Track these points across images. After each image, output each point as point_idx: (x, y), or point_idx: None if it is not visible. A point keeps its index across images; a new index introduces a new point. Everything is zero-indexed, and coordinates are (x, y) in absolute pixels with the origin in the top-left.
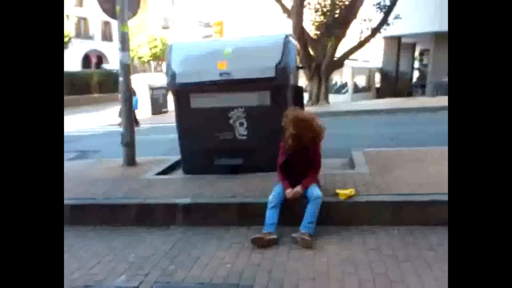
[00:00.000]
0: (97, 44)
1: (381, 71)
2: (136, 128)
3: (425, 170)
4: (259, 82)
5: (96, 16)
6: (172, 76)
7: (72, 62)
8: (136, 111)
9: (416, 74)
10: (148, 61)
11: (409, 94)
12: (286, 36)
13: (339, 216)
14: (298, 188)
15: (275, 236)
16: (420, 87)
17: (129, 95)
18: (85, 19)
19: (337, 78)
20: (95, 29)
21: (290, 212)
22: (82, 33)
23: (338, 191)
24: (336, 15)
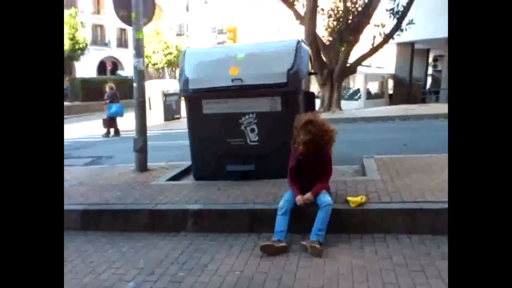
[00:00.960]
0: (112, 51)
1: (394, 77)
2: (115, 138)
3: (438, 177)
4: (271, 88)
5: (112, 24)
6: (185, 82)
7: (87, 68)
8: (119, 119)
9: (429, 81)
10: (163, 67)
11: (423, 100)
12: (298, 42)
13: (350, 224)
14: (309, 195)
15: (284, 244)
16: (434, 94)
17: (143, 101)
18: (101, 26)
19: (349, 84)
20: (111, 36)
21: (300, 219)
22: (99, 40)
23: (348, 198)
24: (349, 21)
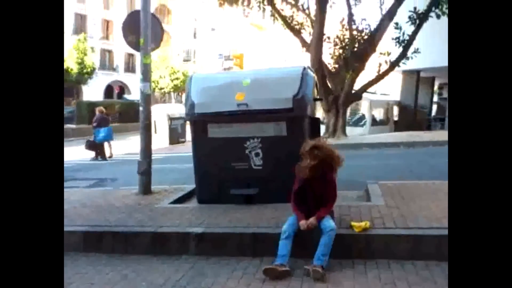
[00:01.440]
0: (120, 75)
1: (399, 104)
2: (103, 162)
3: (443, 204)
4: (276, 113)
5: (121, 49)
6: (191, 106)
7: (95, 92)
8: (111, 143)
9: (435, 108)
10: (169, 92)
11: (428, 127)
12: (304, 69)
13: (354, 249)
14: (312, 220)
15: (287, 268)
16: (439, 121)
17: (148, 124)
18: (110, 51)
19: (355, 110)
20: (119, 61)
21: (304, 244)
22: (107, 64)
23: (352, 223)
24: (355, 49)
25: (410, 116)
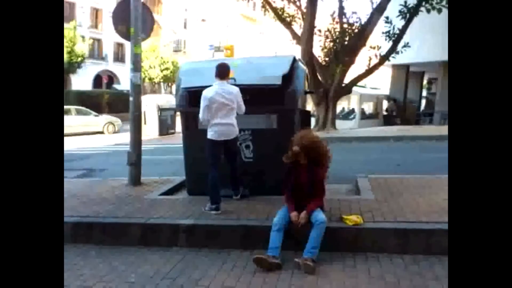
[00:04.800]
0: (109, 65)
1: (389, 98)
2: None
3: (431, 198)
4: (267, 104)
5: (110, 38)
6: (181, 97)
7: (83, 82)
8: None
9: (424, 103)
10: (159, 82)
11: (417, 122)
12: (295, 58)
13: (343, 243)
14: (303, 214)
15: (278, 261)
16: (428, 116)
17: (138, 115)
18: (99, 40)
19: (344, 104)
20: (108, 50)
21: (294, 236)
22: (96, 54)
23: (344, 217)
24: (345, 42)
25: (399, 111)
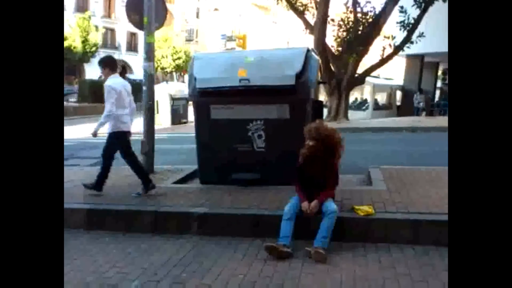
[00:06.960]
0: (122, 54)
1: (403, 89)
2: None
3: (443, 190)
4: (279, 95)
5: (123, 27)
6: (194, 87)
7: (97, 71)
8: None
9: (438, 93)
10: (171, 72)
11: (430, 113)
12: (308, 50)
13: (355, 232)
14: (314, 203)
15: (289, 250)
16: (442, 106)
17: (152, 104)
18: (112, 30)
19: (357, 94)
20: (121, 39)
21: (305, 225)
22: (109, 43)
23: (356, 207)
24: (359, 32)
25: (412, 101)
